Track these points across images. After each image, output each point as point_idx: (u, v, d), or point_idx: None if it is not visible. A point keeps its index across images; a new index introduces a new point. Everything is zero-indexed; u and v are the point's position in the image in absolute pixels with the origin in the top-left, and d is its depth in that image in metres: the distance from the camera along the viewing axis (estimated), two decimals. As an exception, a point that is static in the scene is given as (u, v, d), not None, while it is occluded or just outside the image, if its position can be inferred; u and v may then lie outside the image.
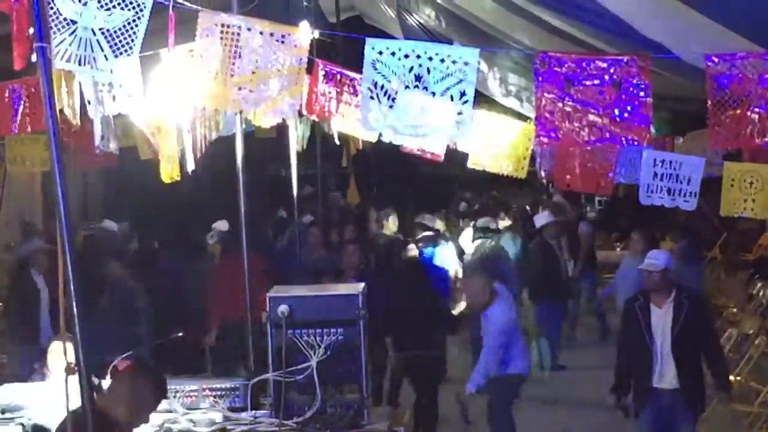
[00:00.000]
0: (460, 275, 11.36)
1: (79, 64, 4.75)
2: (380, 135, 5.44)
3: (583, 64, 5.44)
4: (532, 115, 6.35)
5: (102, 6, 4.81)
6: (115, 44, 4.70)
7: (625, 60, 5.47)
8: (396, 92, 5.17)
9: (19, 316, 9.88)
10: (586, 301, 14.59)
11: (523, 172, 7.44)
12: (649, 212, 9.40)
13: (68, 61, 4.72)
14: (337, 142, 9.32)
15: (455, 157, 6.92)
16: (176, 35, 5.32)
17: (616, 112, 5.40)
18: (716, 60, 5.47)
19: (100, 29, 4.69)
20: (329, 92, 6.62)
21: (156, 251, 12.28)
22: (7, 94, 7.34)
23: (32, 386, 6.32)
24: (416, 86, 5.16)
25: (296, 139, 10.82)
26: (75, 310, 4.10)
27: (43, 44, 4.22)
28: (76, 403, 3.99)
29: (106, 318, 8.53)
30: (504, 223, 15.10)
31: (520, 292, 12.11)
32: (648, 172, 6.52)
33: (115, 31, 4.69)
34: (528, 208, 18.98)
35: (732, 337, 10.46)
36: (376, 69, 5.19)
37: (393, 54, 5.20)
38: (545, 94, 5.44)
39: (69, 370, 4.31)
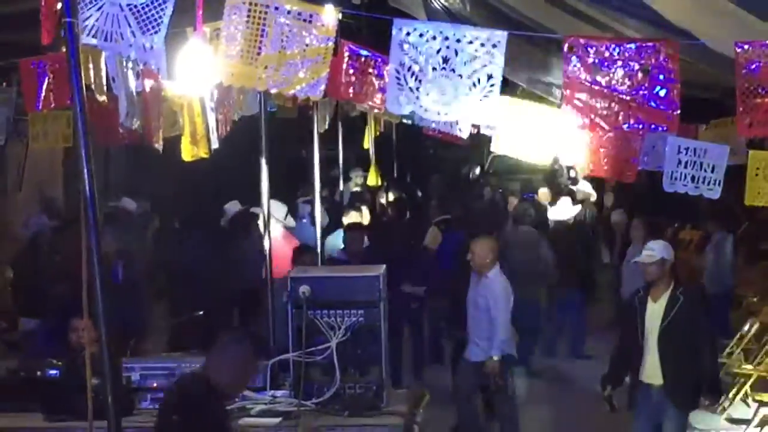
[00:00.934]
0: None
1: (106, 40, 4.74)
2: (404, 117, 5.42)
3: (612, 49, 5.39)
4: (559, 100, 6.31)
5: (130, -18, 4.79)
6: (143, 21, 4.67)
7: (654, 46, 5.42)
8: (423, 74, 5.13)
9: (30, 291, 9.94)
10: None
11: (548, 158, 7.42)
12: (664, 200, 9.28)
13: (95, 36, 4.71)
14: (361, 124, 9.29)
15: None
16: (204, 13, 5.31)
17: (645, 97, 5.34)
18: (746, 47, 5.40)
19: (128, 5, 4.66)
20: (353, 73, 6.61)
21: (177, 231, 12.29)
22: (32, 69, 7.35)
23: None
24: (443, 68, 5.13)
25: (318, 120, 10.77)
26: (99, 287, 4.14)
27: (71, 19, 4.22)
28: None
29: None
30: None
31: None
32: (672, 159, 6.44)
33: (143, 7, 4.67)
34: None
35: (753, 327, 10.41)
36: (403, 50, 5.16)
37: (421, 36, 5.16)
38: (573, 79, 5.39)
39: (90, 345, 4.36)
